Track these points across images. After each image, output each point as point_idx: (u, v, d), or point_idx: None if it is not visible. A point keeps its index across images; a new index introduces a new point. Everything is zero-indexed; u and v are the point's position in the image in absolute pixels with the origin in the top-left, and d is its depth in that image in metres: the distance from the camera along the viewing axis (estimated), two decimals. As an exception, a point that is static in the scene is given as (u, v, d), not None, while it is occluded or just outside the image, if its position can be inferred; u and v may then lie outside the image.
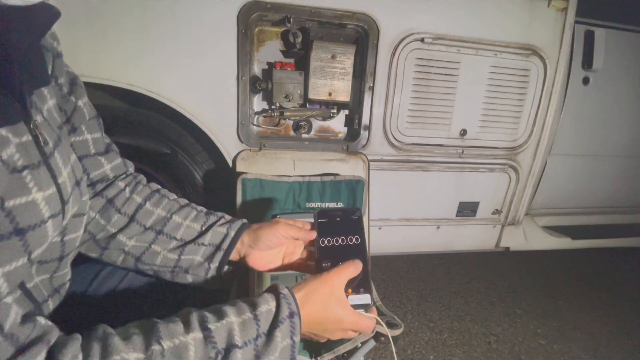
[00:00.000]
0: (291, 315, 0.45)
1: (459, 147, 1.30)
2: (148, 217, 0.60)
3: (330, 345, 0.77)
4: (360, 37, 1.11)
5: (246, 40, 1.01)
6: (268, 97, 1.10)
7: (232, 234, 0.62)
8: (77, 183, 0.47)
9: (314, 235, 0.60)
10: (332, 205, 1.11)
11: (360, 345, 0.79)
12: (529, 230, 1.58)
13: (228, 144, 1.10)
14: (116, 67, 0.96)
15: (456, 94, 1.23)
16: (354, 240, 0.59)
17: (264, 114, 1.13)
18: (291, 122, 1.15)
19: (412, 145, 1.25)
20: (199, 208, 0.65)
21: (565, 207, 1.69)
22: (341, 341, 0.77)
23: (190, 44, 0.98)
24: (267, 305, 0.46)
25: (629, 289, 1.86)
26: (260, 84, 1.06)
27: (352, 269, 0.51)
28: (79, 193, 0.48)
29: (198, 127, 1.06)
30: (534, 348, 1.41)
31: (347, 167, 1.15)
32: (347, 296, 0.52)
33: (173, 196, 0.65)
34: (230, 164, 1.11)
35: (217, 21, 0.99)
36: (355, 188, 1.10)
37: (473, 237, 1.48)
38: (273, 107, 1.09)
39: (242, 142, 1.10)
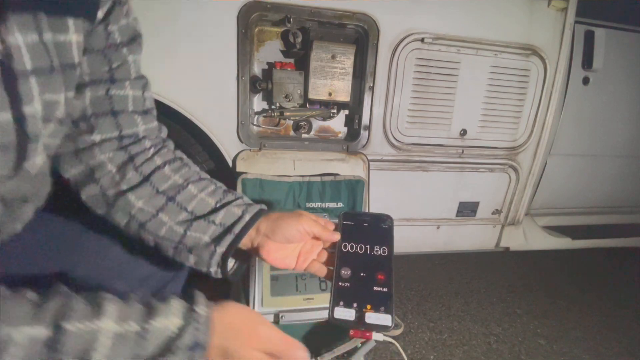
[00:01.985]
0: (194, 347, 0.35)
1: (459, 147, 1.30)
2: (163, 181, 0.55)
3: (330, 345, 0.77)
4: (360, 37, 1.11)
5: (246, 40, 1.01)
6: (268, 97, 1.10)
7: (247, 218, 0.55)
8: (59, 122, 0.44)
9: (337, 237, 0.55)
10: (332, 205, 1.11)
11: (360, 345, 0.79)
12: (529, 230, 1.58)
13: (228, 144, 1.10)
14: (116, 67, 0.96)
15: (456, 94, 1.23)
16: (380, 251, 0.54)
17: (264, 114, 1.13)
18: (291, 122, 1.15)
19: (412, 145, 1.25)
20: (219, 184, 0.60)
21: (565, 207, 1.69)
22: (341, 341, 0.77)
23: (190, 43, 0.98)
24: (166, 320, 0.35)
25: (629, 289, 1.86)
26: (260, 84, 1.06)
27: (291, 344, 0.42)
28: (53, 132, 0.44)
29: (198, 127, 1.06)
30: (534, 348, 1.41)
31: (347, 167, 1.15)
32: (364, 313, 0.48)
33: (196, 168, 0.60)
34: (230, 164, 1.11)
35: (217, 21, 0.99)
36: (355, 188, 1.10)
37: (473, 237, 1.48)
38: (273, 107, 1.09)
39: (242, 142, 1.10)
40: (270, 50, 1.09)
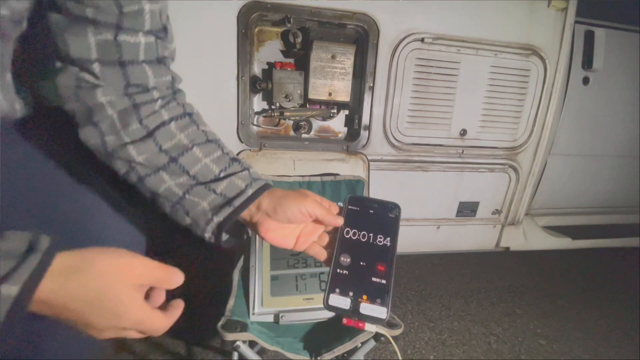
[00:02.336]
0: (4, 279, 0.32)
1: (459, 147, 1.30)
2: (167, 139, 0.53)
3: (330, 345, 0.77)
4: (360, 37, 1.11)
5: (246, 40, 1.01)
6: (268, 97, 1.10)
7: (250, 192, 0.54)
8: None
9: (341, 221, 0.53)
10: (332, 205, 1.10)
11: (360, 345, 0.79)
12: (529, 230, 1.58)
13: (228, 144, 1.09)
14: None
15: (456, 94, 1.23)
16: (383, 241, 0.52)
17: (264, 114, 1.13)
18: (291, 122, 1.15)
19: (412, 145, 1.25)
20: (227, 150, 0.57)
21: (565, 207, 1.69)
22: (341, 341, 0.77)
23: (190, 43, 0.98)
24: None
25: (629, 289, 1.86)
26: (260, 84, 1.06)
27: (166, 279, 0.41)
28: None
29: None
30: (534, 348, 1.41)
31: (347, 167, 1.15)
32: (359, 303, 0.46)
33: (204, 126, 0.57)
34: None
35: (217, 21, 0.99)
36: (355, 188, 1.10)
37: (473, 237, 1.48)
38: (273, 107, 1.09)
39: (242, 142, 1.10)
40: (270, 50, 1.09)
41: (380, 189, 1.26)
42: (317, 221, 0.55)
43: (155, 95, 0.53)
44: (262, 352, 0.86)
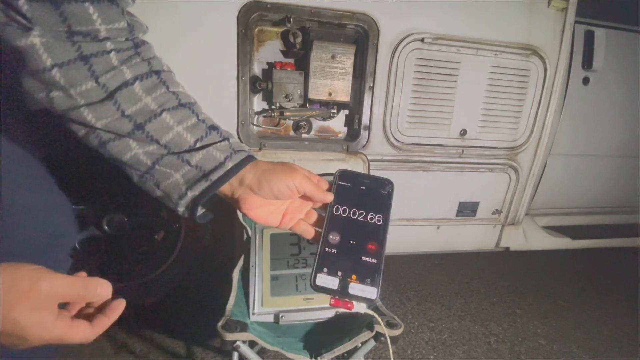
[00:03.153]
0: None
1: (459, 147, 1.30)
2: (131, 103, 0.45)
3: (330, 345, 0.77)
4: (360, 37, 1.11)
5: (246, 40, 1.01)
6: (268, 97, 1.10)
7: (229, 165, 0.48)
8: None
9: (330, 198, 0.49)
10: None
11: (360, 345, 0.79)
12: (529, 230, 1.58)
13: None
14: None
15: (456, 94, 1.23)
16: (375, 219, 0.48)
17: (264, 114, 1.13)
18: (291, 122, 1.15)
19: (412, 145, 1.25)
20: (202, 116, 0.50)
21: (565, 207, 1.69)
22: (341, 341, 0.77)
23: (190, 44, 0.98)
24: None
25: (629, 289, 1.86)
26: (260, 84, 1.06)
27: (86, 295, 0.37)
28: None
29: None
30: (534, 348, 1.41)
31: (347, 167, 1.15)
32: (348, 282, 0.44)
33: (176, 87, 0.49)
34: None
35: (217, 21, 0.99)
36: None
37: (473, 237, 1.48)
38: (273, 107, 1.09)
39: (242, 142, 1.10)
40: (270, 50, 1.09)
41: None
42: (305, 197, 0.50)
43: (108, 46, 0.43)
44: (262, 352, 0.86)
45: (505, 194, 1.44)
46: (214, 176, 0.48)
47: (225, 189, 0.48)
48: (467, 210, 1.42)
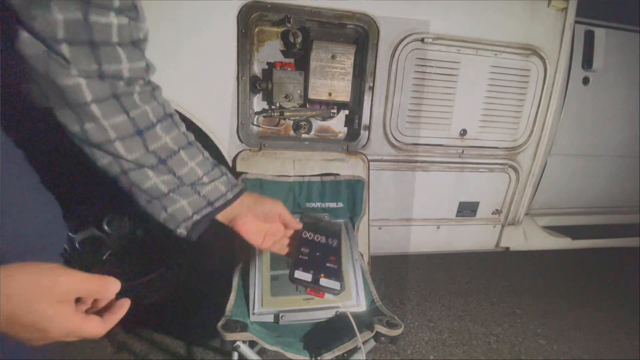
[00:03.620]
0: None
1: (459, 147, 1.30)
2: (155, 141, 0.54)
3: (330, 345, 0.77)
4: (360, 37, 1.11)
5: (246, 40, 1.01)
6: (268, 97, 1.10)
7: (230, 196, 0.62)
8: None
9: (300, 225, 0.69)
10: (332, 205, 1.11)
11: (360, 345, 0.79)
12: (529, 230, 1.58)
13: (228, 144, 1.10)
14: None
15: (456, 94, 1.23)
16: (331, 242, 0.70)
17: (264, 114, 1.13)
18: (291, 122, 1.15)
19: (412, 145, 1.25)
20: (205, 153, 0.63)
21: (565, 207, 1.69)
22: (341, 341, 0.77)
23: (190, 44, 0.98)
24: None
25: (629, 289, 1.86)
26: (260, 84, 1.06)
27: (100, 291, 0.40)
28: None
29: (198, 127, 1.06)
30: (534, 348, 1.41)
31: (347, 167, 1.15)
32: (319, 277, 0.62)
33: (182, 127, 0.60)
34: (230, 164, 1.11)
35: (217, 21, 0.99)
36: (355, 188, 1.10)
37: (473, 237, 1.48)
38: (273, 107, 1.09)
39: (242, 142, 1.10)
40: (270, 50, 1.09)
41: (380, 189, 1.27)
42: (283, 223, 0.68)
43: (133, 88, 0.51)
44: (262, 352, 0.86)
45: (505, 194, 1.44)
46: (217, 204, 0.61)
47: (227, 211, 0.63)
48: (467, 210, 1.42)
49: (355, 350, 0.79)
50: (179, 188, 0.58)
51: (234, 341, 0.74)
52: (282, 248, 0.70)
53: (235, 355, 0.82)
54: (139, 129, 0.52)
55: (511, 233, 1.51)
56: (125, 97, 0.50)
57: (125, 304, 0.43)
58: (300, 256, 0.66)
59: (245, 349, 0.75)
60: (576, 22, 1.30)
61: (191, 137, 0.62)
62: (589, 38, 1.39)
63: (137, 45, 0.50)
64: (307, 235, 0.70)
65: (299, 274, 0.64)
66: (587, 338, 1.49)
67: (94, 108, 0.48)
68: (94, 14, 0.44)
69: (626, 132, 1.56)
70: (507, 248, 1.54)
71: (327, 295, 0.69)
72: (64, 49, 0.44)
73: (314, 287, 0.64)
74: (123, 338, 1.24)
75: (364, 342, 0.79)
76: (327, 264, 0.67)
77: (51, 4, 0.41)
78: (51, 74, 0.45)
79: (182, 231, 0.61)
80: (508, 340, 1.43)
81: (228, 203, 0.62)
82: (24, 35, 0.42)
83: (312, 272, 0.65)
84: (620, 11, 1.43)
